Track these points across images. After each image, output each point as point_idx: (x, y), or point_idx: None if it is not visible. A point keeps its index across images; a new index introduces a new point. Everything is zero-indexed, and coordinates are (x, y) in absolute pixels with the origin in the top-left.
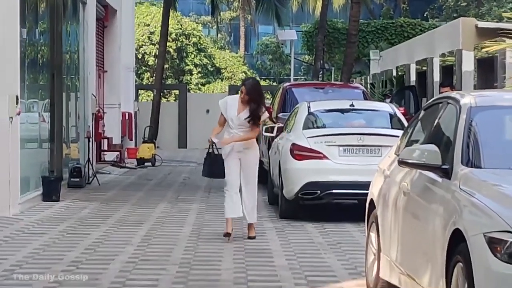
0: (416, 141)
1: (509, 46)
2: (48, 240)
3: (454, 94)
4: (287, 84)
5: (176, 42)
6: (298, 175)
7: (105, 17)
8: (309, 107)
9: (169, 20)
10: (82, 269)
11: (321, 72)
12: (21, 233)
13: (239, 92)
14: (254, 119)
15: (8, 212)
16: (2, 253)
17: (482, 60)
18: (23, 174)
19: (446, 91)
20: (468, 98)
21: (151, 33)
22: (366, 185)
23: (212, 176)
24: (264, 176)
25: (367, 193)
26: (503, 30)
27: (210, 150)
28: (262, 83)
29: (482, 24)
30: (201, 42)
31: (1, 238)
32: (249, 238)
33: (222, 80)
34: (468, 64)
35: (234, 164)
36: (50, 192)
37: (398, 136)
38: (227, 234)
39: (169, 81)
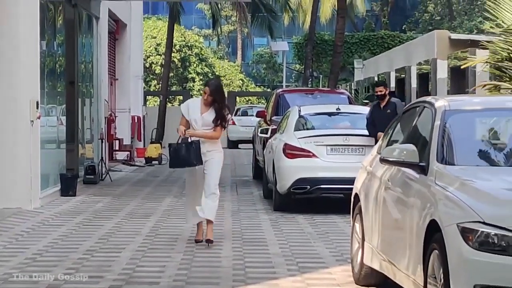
0: (396, 141)
1: (480, 61)
2: (65, 231)
3: (430, 98)
4: (280, 90)
5: (180, 52)
6: (290, 172)
7: (116, 30)
8: (299, 110)
9: (174, 33)
10: (96, 257)
11: (310, 79)
12: (41, 225)
13: (202, 93)
14: (220, 119)
15: (29, 206)
16: (24, 243)
17: (455, 69)
18: (43, 172)
19: (380, 91)
20: (442, 102)
21: (158, 44)
22: (351, 181)
23: (184, 164)
24: (259, 173)
25: (352, 188)
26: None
27: (180, 141)
28: (257, 89)
29: (454, 35)
30: (203, 53)
31: (23, 229)
32: (207, 241)
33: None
34: (442, 72)
35: (199, 168)
36: (67, 188)
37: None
38: (198, 241)
39: (174, 88)
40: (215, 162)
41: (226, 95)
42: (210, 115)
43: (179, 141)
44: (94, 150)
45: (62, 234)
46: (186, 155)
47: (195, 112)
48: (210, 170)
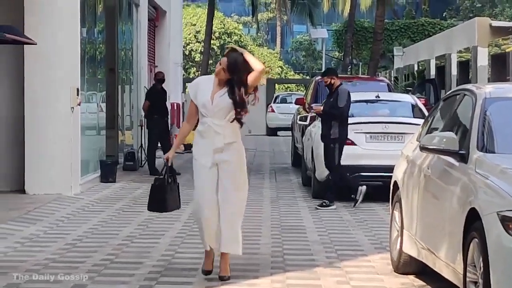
0: (436, 129)
1: None
2: (105, 217)
3: (470, 86)
4: (319, 77)
5: (219, 40)
6: None
7: (156, 17)
8: None
9: (213, 20)
10: (136, 243)
11: (349, 66)
12: (82, 211)
13: (218, 64)
14: (238, 106)
15: (70, 192)
16: (65, 229)
17: (496, 56)
18: (83, 158)
19: (325, 81)
20: (483, 90)
21: (197, 32)
22: (390, 169)
23: (156, 208)
24: (298, 160)
25: (391, 176)
26: None
27: (162, 174)
28: (296, 77)
29: (495, 23)
30: (242, 40)
31: (63, 215)
32: (220, 278)
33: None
34: (483, 60)
35: (208, 172)
36: (107, 174)
37: (419, 124)
38: (207, 272)
39: None
40: (236, 165)
41: (256, 80)
42: (225, 99)
43: (163, 172)
44: (133, 137)
45: (102, 220)
46: (163, 196)
47: (206, 93)
48: (229, 175)
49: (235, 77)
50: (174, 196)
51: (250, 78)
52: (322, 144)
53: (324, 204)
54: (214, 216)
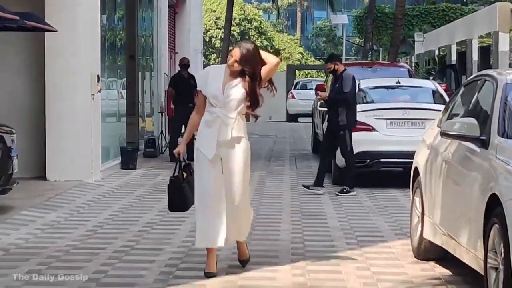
0: (457, 115)
1: None
2: (126, 203)
3: (491, 72)
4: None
5: (240, 26)
6: None
7: (176, 4)
8: (359, 84)
9: (233, 7)
10: (156, 229)
11: (370, 52)
12: (102, 197)
13: (229, 55)
14: (251, 100)
15: (90, 178)
16: (86, 215)
17: None
18: (103, 145)
19: (328, 67)
20: (504, 75)
21: (217, 18)
22: (411, 155)
23: (178, 209)
24: (318, 147)
25: (411, 162)
26: None
27: (177, 172)
28: (317, 63)
29: None
30: (262, 26)
31: (84, 202)
32: (240, 262)
33: (280, 60)
34: (504, 45)
35: (212, 164)
36: (128, 161)
37: (440, 110)
38: (209, 274)
39: None
40: (241, 157)
41: (270, 73)
42: (237, 90)
43: (176, 169)
44: (154, 124)
45: (122, 207)
46: (182, 196)
47: (216, 83)
48: (234, 171)
49: (248, 68)
50: (192, 192)
51: (264, 70)
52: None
53: (344, 190)
54: (218, 209)
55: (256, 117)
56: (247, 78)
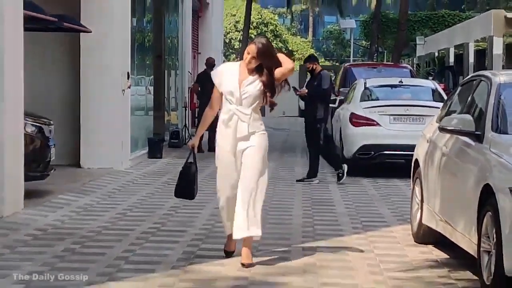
0: (454, 111)
1: None
2: (152, 189)
3: (486, 73)
4: (348, 64)
5: (257, 29)
6: (356, 139)
7: (200, 9)
8: (365, 83)
9: (251, 11)
10: (180, 213)
11: (375, 54)
12: (131, 184)
13: (245, 53)
14: (269, 91)
15: (120, 166)
16: (116, 200)
17: (510, 45)
18: (132, 136)
19: (307, 67)
20: (498, 76)
21: (237, 22)
22: (412, 148)
23: (183, 195)
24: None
25: (412, 154)
26: None
27: (191, 160)
28: (327, 63)
29: (510, 15)
30: (277, 30)
31: (114, 187)
32: (242, 265)
33: (294, 61)
34: (498, 49)
35: (232, 158)
36: (154, 151)
37: (439, 107)
38: (229, 253)
39: None
40: (258, 150)
41: (283, 75)
42: (254, 86)
43: (188, 159)
44: (178, 117)
45: (149, 192)
46: (191, 184)
47: (232, 80)
48: (251, 162)
49: (266, 61)
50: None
51: (279, 72)
52: (350, 124)
53: (340, 175)
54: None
55: (273, 104)
56: (265, 71)
